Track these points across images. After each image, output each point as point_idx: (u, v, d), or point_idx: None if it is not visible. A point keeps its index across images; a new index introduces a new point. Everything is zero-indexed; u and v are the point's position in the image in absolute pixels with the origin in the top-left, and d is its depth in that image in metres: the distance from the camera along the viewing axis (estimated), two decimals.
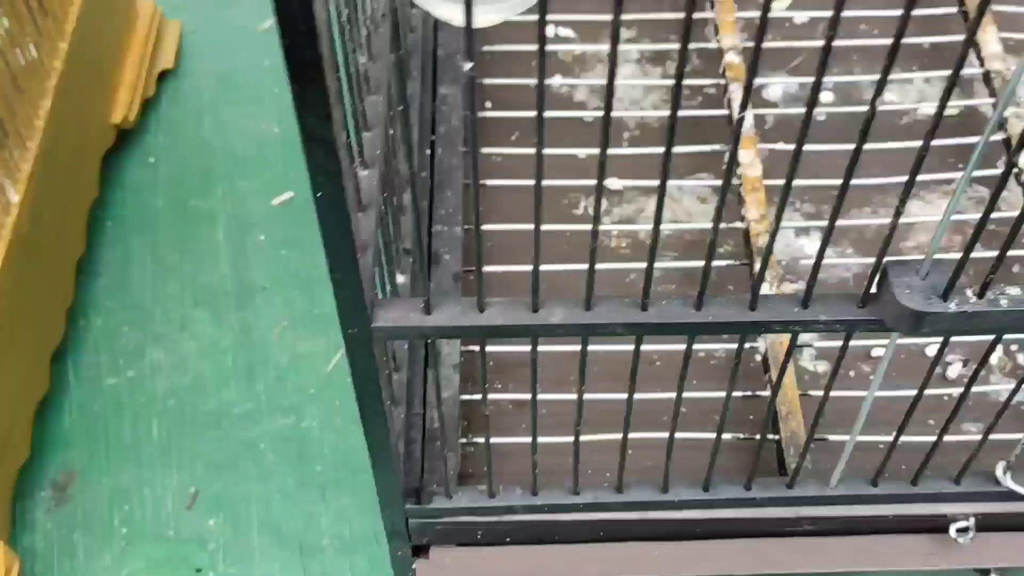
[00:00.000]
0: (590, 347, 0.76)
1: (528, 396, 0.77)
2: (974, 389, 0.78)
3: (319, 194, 0.44)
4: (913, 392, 0.76)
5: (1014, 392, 0.60)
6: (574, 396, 0.76)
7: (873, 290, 0.53)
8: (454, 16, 0.64)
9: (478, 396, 0.77)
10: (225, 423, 0.93)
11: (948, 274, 0.50)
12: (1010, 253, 0.83)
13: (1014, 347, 0.80)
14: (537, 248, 0.49)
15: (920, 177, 0.75)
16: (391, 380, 0.69)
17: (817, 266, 0.50)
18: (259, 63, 1.13)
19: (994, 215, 0.86)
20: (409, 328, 0.52)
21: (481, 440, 0.74)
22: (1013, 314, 0.50)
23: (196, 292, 1.00)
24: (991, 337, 0.78)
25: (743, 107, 0.43)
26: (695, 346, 0.80)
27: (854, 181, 0.88)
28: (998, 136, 0.86)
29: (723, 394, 0.77)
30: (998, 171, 0.85)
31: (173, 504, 0.89)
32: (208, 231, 1.03)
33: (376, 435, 0.59)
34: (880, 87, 0.42)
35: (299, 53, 0.38)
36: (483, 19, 0.63)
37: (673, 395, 0.76)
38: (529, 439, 0.72)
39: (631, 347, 0.78)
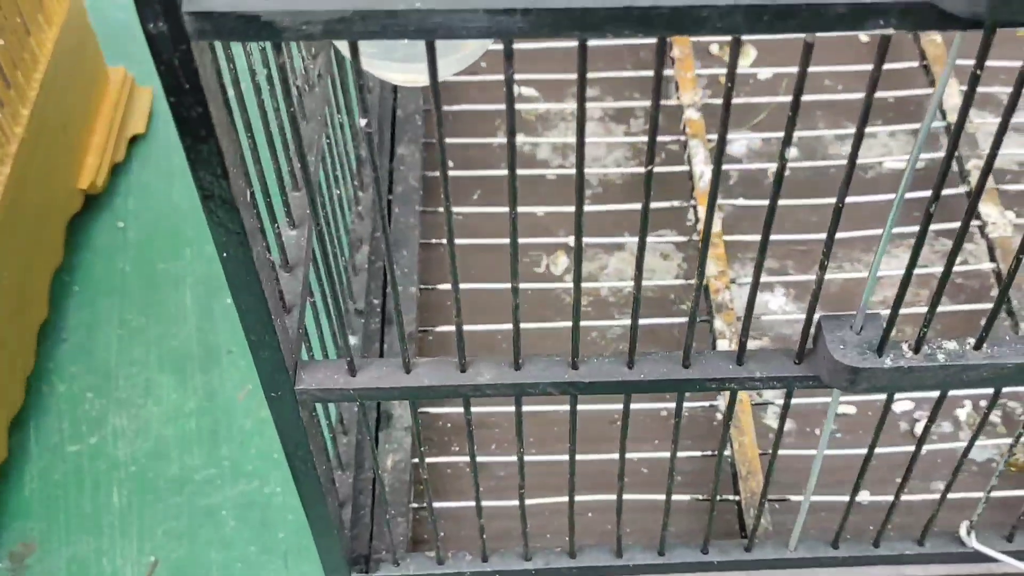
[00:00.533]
0: (558, 407, 0.74)
1: (488, 459, 0.76)
2: (944, 446, 0.77)
3: (223, 254, 0.43)
4: (883, 450, 0.75)
5: (967, 450, 0.58)
6: (535, 457, 0.75)
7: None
8: (394, 76, 0.63)
9: (433, 459, 0.75)
10: (187, 489, 0.92)
11: (882, 328, 0.49)
12: (980, 306, 0.82)
13: (983, 403, 0.79)
14: (458, 306, 0.48)
15: (881, 231, 0.74)
16: (336, 443, 0.68)
17: (747, 321, 0.49)
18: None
19: (962, 268, 0.85)
20: (334, 390, 0.51)
21: (435, 504, 0.73)
22: (951, 369, 0.49)
23: (161, 356, 0.99)
24: (961, 392, 0.77)
25: (717, 164, 0.42)
26: (661, 405, 0.79)
27: (818, 235, 0.87)
28: (961, 189, 0.86)
29: (688, 454, 0.76)
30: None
31: (132, 574, 0.87)
32: (175, 294, 1.03)
33: (312, 501, 0.58)
34: (853, 156, 0.41)
35: (185, 111, 0.37)
36: (421, 78, 0.62)
37: (634, 455, 0.75)
38: (487, 502, 0.71)
39: (601, 406, 0.77)
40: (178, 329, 1.00)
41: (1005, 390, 0.77)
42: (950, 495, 0.73)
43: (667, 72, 0.94)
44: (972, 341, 0.49)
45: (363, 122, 0.39)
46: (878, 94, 0.93)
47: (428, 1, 0.34)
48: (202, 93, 0.37)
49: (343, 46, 0.59)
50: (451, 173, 0.90)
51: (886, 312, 0.80)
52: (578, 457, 0.72)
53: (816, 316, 0.50)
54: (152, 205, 1.09)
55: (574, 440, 0.56)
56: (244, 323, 0.46)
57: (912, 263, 0.46)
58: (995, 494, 0.72)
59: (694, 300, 0.48)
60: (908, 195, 0.84)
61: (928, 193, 0.85)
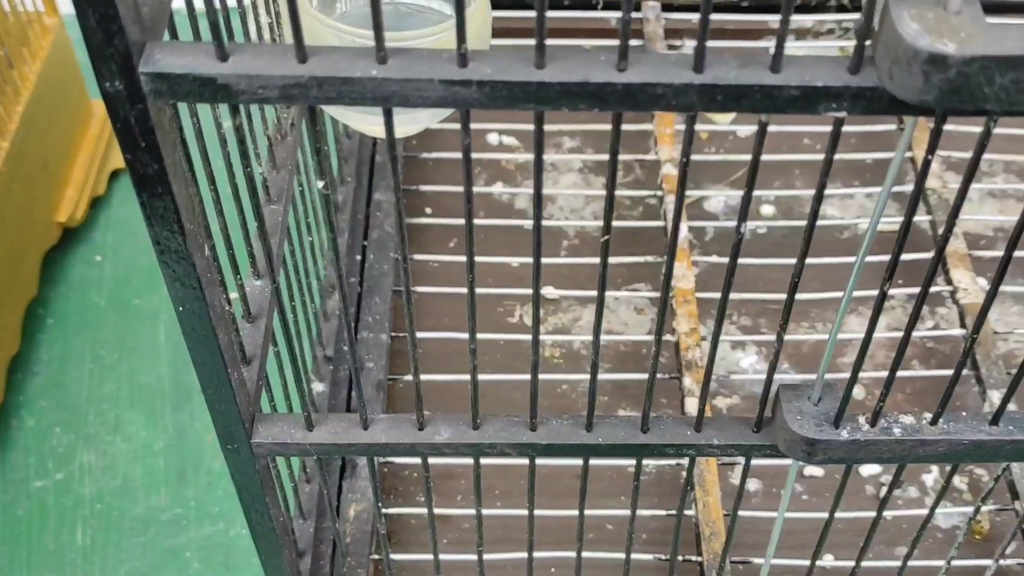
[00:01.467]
0: (525, 460, 0.74)
1: (453, 511, 0.75)
2: (910, 512, 0.76)
3: (179, 308, 0.43)
4: (849, 514, 0.75)
5: (928, 518, 0.58)
6: (500, 511, 0.75)
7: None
8: (368, 128, 0.64)
9: (398, 509, 0.75)
10: (152, 529, 0.91)
11: (839, 399, 0.49)
12: (950, 372, 0.82)
13: (949, 467, 0.78)
14: (415, 364, 0.48)
15: (857, 292, 0.74)
16: (297, 492, 0.67)
17: (705, 388, 0.49)
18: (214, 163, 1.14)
19: (935, 333, 0.85)
20: (291, 445, 0.50)
21: (395, 556, 0.72)
22: (907, 443, 0.49)
23: (133, 393, 0.98)
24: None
25: (676, 219, 0.42)
26: (628, 462, 0.79)
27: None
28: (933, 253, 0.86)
29: (653, 512, 0.75)
30: (936, 288, 0.85)
31: None
32: (150, 331, 1.02)
33: (268, 552, 0.57)
34: (811, 223, 0.42)
35: (141, 168, 0.37)
36: (399, 130, 0.63)
37: (599, 512, 0.75)
38: (447, 556, 0.70)
39: (567, 461, 0.77)
40: (151, 366, 1.00)
41: None
42: (915, 563, 0.73)
43: (647, 127, 0.95)
44: (929, 416, 0.49)
45: (320, 184, 0.39)
46: (855, 155, 0.94)
47: (385, 69, 0.35)
48: (158, 151, 0.37)
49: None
50: (428, 221, 0.90)
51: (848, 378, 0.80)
52: (542, 512, 0.72)
53: (775, 384, 0.50)
54: (130, 240, 1.09)
55: (532, 500, 0.55)
56: (200, 376, 0.46)
57: (870, 332, 0.46)
58: (959, 562, 0.72)
59: (652, 364, 0.48)
60: (882, 258, 0.85)
61: (904, 256, 0.85)
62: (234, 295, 0.49)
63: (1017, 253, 0.90)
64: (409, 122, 0.65)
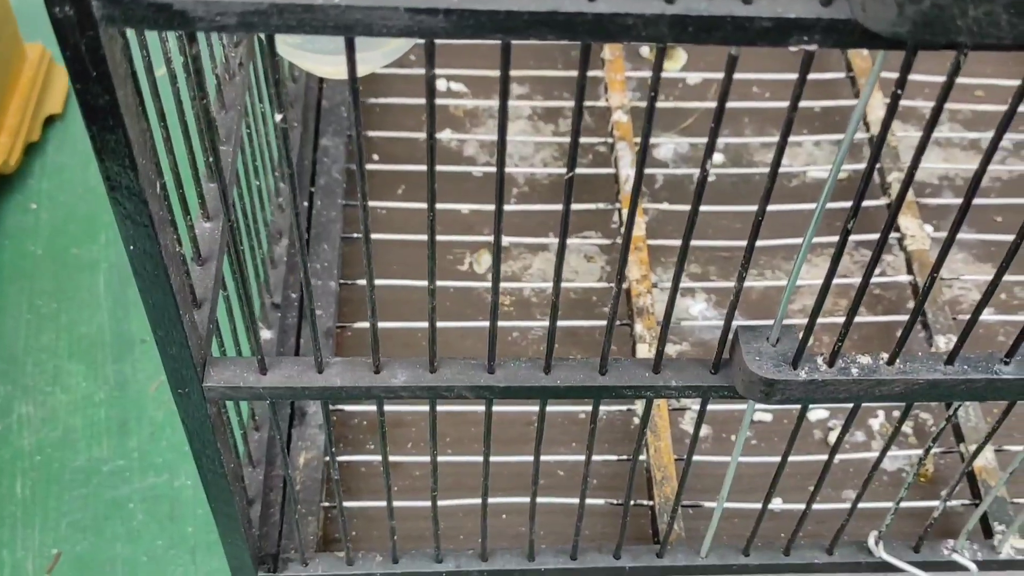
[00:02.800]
0: (476, 408, 0.74)
1: (404, 458, 0.75)
2: (857, 456, 0.77)
3: (130, 247, 0.41)
4: (797, 458, 0.76)
5: (878, 461, 0.59)
6: (452, 458, 0.74)
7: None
8: (318, 68, 0.62)
9: (348, 457, 0.74)
10: (94, 481, 0.89)
11: (798, 340, 0.49)
12: (897, 318, 0.83)
13: (896, 413, 0.80)
14: (372, 306, 0.47)
15: (800, 241, 0.74)
16: (247, 439, 0.66)
17: (665, 330, 0.49)
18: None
19: (882, 279, 0.86)
20: (243, 389, 0.49)
21: (346, 503, 0.72)
22: (864, 383, 0.49)
23: (72, 343, 0.96)
24: (875, 403, 0.78)
25: (639, 171, 0.42)
26: (580, 408, 0.79)
27: (742, 242, 0.87)
28: (882, 201, 0.87)
29: (604, 457, 0.75)
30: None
31: (33, 567, 0.85)
32: (88, 280, 1.00)
33: (218, 498, 0.56)
34: (774, 169, 0.41)
35: (92, 99, 0.35)
36: (340, 70, 0.61)
37: (551, 458, 0.75)
38: (398, 502, 0.70)
39: (519, 408, 0.77)
40: (90, 316, 0.98)
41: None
42: (862, 505, 0.74)
43: (597, 73, 0.94)
44: (885, 356, 0.50)
45: (279, 117, 0.38)
46: (804, 103, 0.94)
47: None
48: (110, 81, 0.35)
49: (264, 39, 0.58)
50: (375, 167, 0.89)
51: (804, 322, 0.80)
52: (495, 459, 0.72)
53: (734, 325, 0.50)
54: (67, 187, 1.06)
55: (488, 443, 0.55)
56: (151, 318, 0.45)
57: (830, 276, 0.46)
58: (905, 504, 0.73)
59: (612, 307, 0.48)
60: (832, 205, 0.85)
61: (850, 204, 0.86)
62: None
63: (961, 200, 0.91)
64: (361, 62, 0.63)
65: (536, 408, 0.77)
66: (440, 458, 0.74)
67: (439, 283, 0.82)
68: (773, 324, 0.49)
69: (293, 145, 0.82)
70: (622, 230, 0.83)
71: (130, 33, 0.38)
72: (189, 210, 0.50)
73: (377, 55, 0.66)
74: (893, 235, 0.85)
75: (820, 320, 0.83)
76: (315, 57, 0.60)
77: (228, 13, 0.33)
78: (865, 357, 0.50)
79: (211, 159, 0.41)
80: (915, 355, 0.50)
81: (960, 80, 0.95)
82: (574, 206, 0.87)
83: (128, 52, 0.38)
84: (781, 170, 0.91)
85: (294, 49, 0.62)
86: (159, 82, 0.48)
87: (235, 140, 0.56)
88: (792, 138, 0.93)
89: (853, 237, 0.87)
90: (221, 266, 0.53)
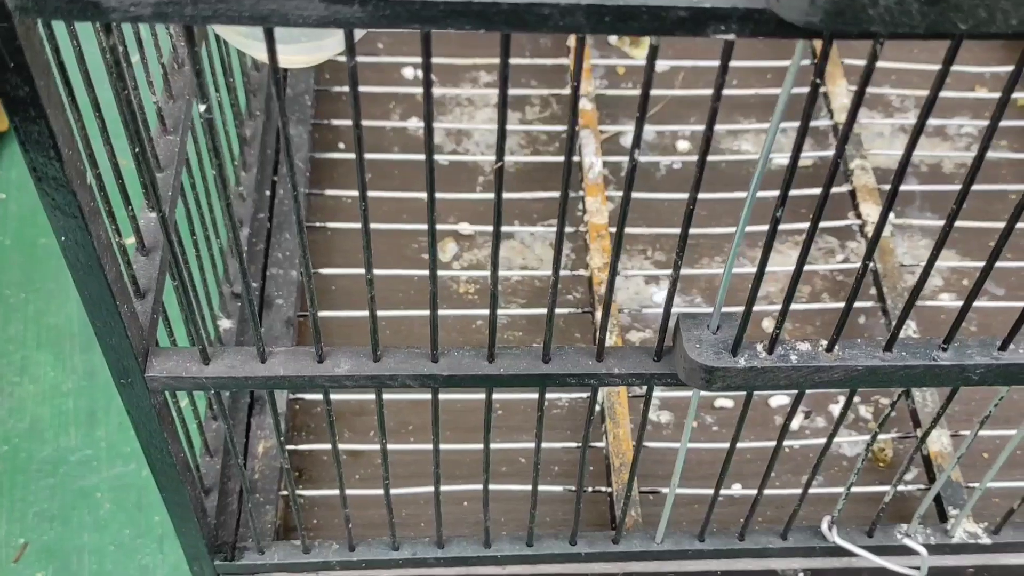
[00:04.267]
0: (443, 396, 0.74)
1: (366, 447, 0.75)
2: (817, 441, 0.78)
3: (62, 238, 0.42)
4: (758, 444, 0.76)
5: (827, 445, 0.59)
6: (414, 446, 0.75)
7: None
8: (257, 53, 0.62)
9: (309, 446, 0.74)
10: (61, 470, 0.90)
11: (736, 327, 0.49)
12: (859, 304, 0.83)
13: (856, 399, 0.80)
14: (311, 295, 0.47)
15: (765, 228, 0.74)
16: (203, 429, 0.67)
17: (605, 319, 0.49)
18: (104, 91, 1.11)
19: (844, 266, 0.86)
20: (186, 379, 0.50)
21: (307, 492, 0.72)
22: (803, 370, 0.49)
23: (40, 334, 0.96)
24: (835, 389, 0.78)
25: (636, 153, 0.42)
26: (537, 396, 0.79)
27: (707, 229, 0.88)
28: (845, 188, 0.87)
29: (564, 445, 0.76)
30: (846, 222, 0.86)
31: (0, 556, 0.85)
32: (57, 271, 1.00)
33: (169, 487, 0.56)
34: (702, 158, 0.41)
35: (11, 90, 0.36)
36: (294, 59, 0.61)
37: (513, 445, 0.75)
38: (358, 491, 0.70)
39: (479, 395, 0.77)
40: (59, 306, 0.98)
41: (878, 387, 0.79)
42: (824, 490, 0.75)
43: (563, 61, 0.94)
44: (824, 343, 0.50)
45: (202, 108, 0.38)
46: (769, 91, 0.94)
47: None
48: (28, 72, 0.35)
49: (217, 26, 0.58)
50: (341, 156, 0.89)
51: (764, 309, 0.80)
52: (456, 447, 0.72)
53: (675, 313, 0.50)
54: None
55: (437, 431, 0.55)
56: (88, 308, 0.45)
57: (763, 261, 0.46)
58: (865, 489, 0.74)
59: (551, 295, 0.48)
60: (794, 192, 0.85)
61: (814, 191, 0.85)
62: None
63: (926, 187, 0.91)
64: (315, 50, 0.63)
65: (497, 396, 0.78)
66: (401, 446, 0.74)
67: (404, 272, 0.82)
68: (713, 312, 0.50)
69: (256, 135, 0.82)
70: (587, 218, 0.83)
71: (59, 24, 0.38)
72: (131, 201, 0.50)
73: (332, 42, 0.65)
74: (855, 222, 0.85)
75: (780, 307, 0.83)
76: (260, 46, 0.60)
77: (142, 3, 0.33)
78: (804, 344, 0.50)
79: (137, 150, 0.41)
80: (855, 341, 0.50)
81: (928, 67, 0.95)
82: (540, 194, 0.88)
83: (53, 42, 0.38)
84: (746, 157, 0.92)
85: (245, 39, 0.62)
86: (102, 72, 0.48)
87: (183, 128, 0.56)
88: (757, 125, 0.93)
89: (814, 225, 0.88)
90: (167, 255, 0.53)
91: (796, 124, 0.93)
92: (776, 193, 0.47)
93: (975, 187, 0.89)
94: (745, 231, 0.48)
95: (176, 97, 0.57)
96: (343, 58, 0.79)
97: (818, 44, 0.94)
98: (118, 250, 0.46)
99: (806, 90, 0.93)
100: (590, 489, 0.73)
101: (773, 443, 0.74)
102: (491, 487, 0.62)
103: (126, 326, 0.46)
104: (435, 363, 0.51)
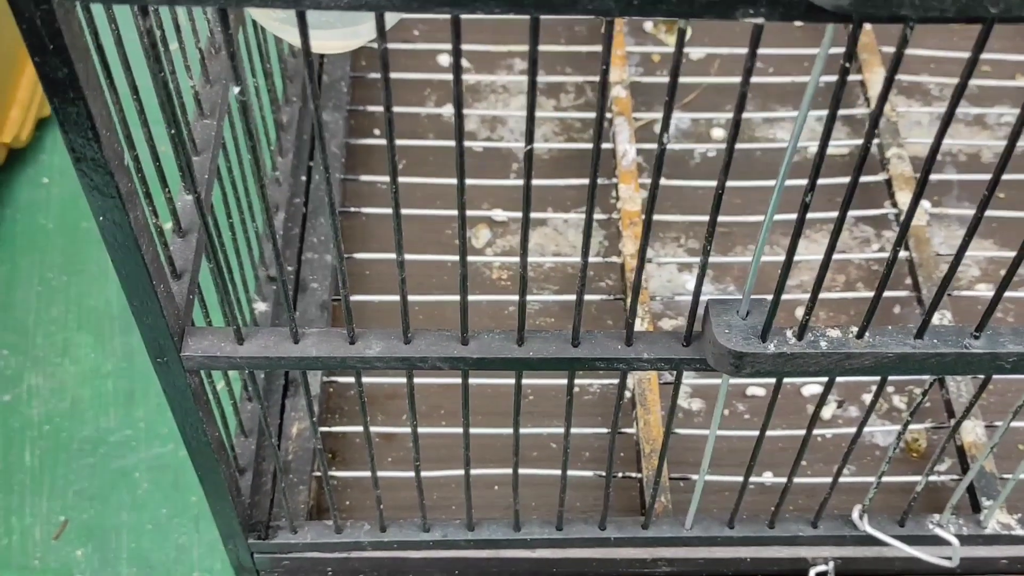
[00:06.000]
0: (475, 380, 0.74)
1: (398, 429, 0.76)
2: (850, 430, 0.77)
3: (100, 218, 0.42)
4: (790, 433, 0.76)
5: (857, 434, 0.59)
6: (446, 429, 0.75)
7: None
8: (292, 38, 0.63)
9: (343, 428, 0.75)
10: (100, 450, 0.91)
11: (766, 313, 0.49)
12: (894, 293, 0.83)
13: (890, 389, 0.80)
14: (343, 278, 0.47)
15: (806, 215, 0.74)
16: (238, 410, 0.67)
17: (635, 303, 0.49)
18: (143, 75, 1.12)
19: (880, 255, 0.86)
20: (221, 359, 0.50)
21: (339, 473, 0.73)
22: (833, 356, 0.49)
23: (81, 316, 0.98)
24: (868, 378, 0.78)
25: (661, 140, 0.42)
26: (575, 380, 0.79)
27: (741, 218, 0.88)
28: (881, 176, 0.86)
29: (596, 431, 0.76)
30: (882, 211, 0.85)
31: (41, 533, 0.87)
32: (98, 254, 1.01)
33: (204, 466, 0.57)
34: (730, 143, 0.41)
35: (51, 72, 0.36)
36: (329, 44, 0.62)
37: (544, 430, 0.75)
38: (390, 472, 0.71)
39: (510, 380, 0.77)
40: (99, 289, 0.99)
41: (912, 377, 0.79)
42: (855, 479, 0.75)
43: (597, 48, 0.94)
44: (855, 329, 0.50)
45: (236, 90, 0.38)
46: (804, 78, 0.94)
47: None
48: (67, 54, 0.36)
49: (252, 9, 0.59)
50: (376, 142, 0.89)
51: (798, 298, 0.80)
52: (487, 431, 0.73)
53: (704, 299, 0.50)
54: None
55: (467, 414, 0.56)
56: (125, 288, 0.46)
57: (792, 247, 0.46)
58: (898, 479, 0.73)
59: (580, 280, 0.48)
60: (832, 181, 0.85)
61: (846, 179, 0.85)
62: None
63: (964, 177, 0.91)
64: (350, 36, 0.64)
65: (529, 381, 0.78)
66: (434, 429, 0.75)
67: (438, 257, 0.83)
68: (743, 298, 0.50)
69: (292, 121, 0.83)
70: (620, 204, 0.83)
71: (98, 7, 0.39)
72: (168, 183, 0.51)
73: (365, 28, 0.66)
74: (891, 211, 0.84)
75: (824, 296, 0.83)
76: (296, 31, 0.61)
77: None
78: (834, 331, 0.50)
79: (173, 132, 0.42)
80: (886, 328, 0.50)
81: (964, 55, 0.94)
82: (573, 181, 0.88)
83: (93, 27, 0.38)
84: (780, 145, 0.91)
85: (282, 24, 0.63)
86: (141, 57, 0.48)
87: (220, 113, 0.57)
88: (791, 113, 0.93)
89: (852, 213, 0.87)
90: (203, 237, 0.54)
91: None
92: (800, 183, 0.47)
93: (1015, 176, 0.88)
94: (775, 219, 0.48)
95: (213, 82, 0.58)
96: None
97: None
98: (155, 231, 0.47)
99: (836, 78, 0.92)
100: (620, 475, 0.73)
101: (804, 431, 0.74)
102: (521, 472, 0.62)
103: (162, 306, 0.47)
104: (465, 346, 0.51)
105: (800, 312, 0.82)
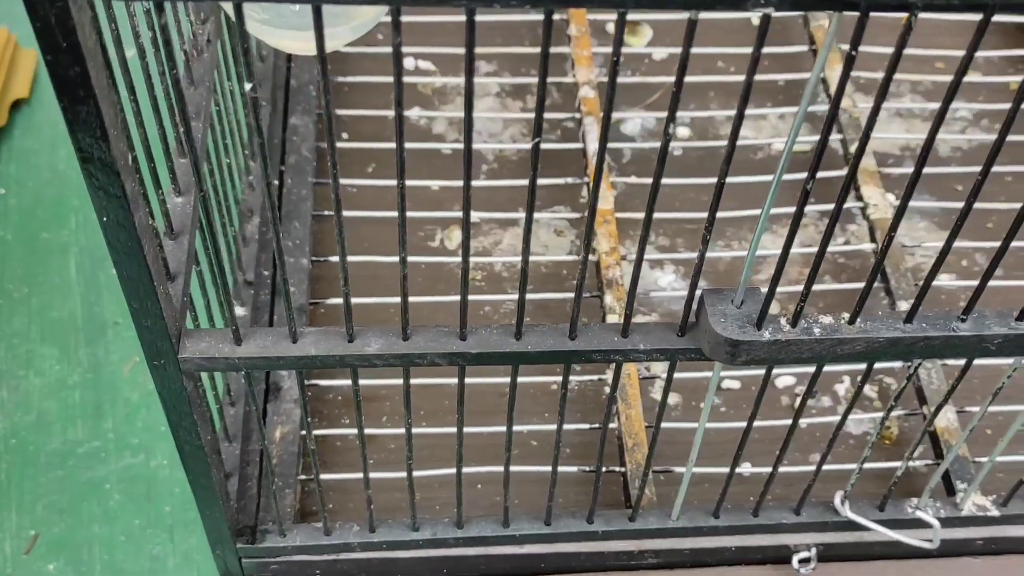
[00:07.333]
0: (449, 380, 0.74)
1: (379, 431, 0.76)
2: (823, 420, 0.79)
3: (104, 218, 0.42)
4: (765, 423, 0.77)
5: (841, 423, 0.60)
6: (426, 429, 0.75)
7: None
8: (286, 44, 0.63)
9: (324, 431, 0.75)
10: (69, 463, 0.90)
11: (761, 302, 0.50)
12: (861, 285, 0.85)
13: (861, 376, 0.81)
14: (344, 274, 0.47)
15: (773, 211, 0.76)
16: (223, 414, 0.67)
17: (632, 294, 0.50)
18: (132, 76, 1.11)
19: (846, 248, 0.87)
20: (219, 360, 0.50)
21: (322, 476, 0.73)
22: (826, 343, 0.50)
23: (44, 327, 0.96)
24: (839, 368, 0.79)
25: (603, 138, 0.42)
26: (551, 379, 0.80)
27: (707, 214, 0.89)
28: (846, 171, 0.88)
29: (576, 427, 0.77)
30: (847, 205, 0.87)
31: (11, 549, 0.85)
32: (59, 264, 1.00)
33: (196, 471, 0.57)
34: (733, 138, 0.42)
35: (63, 70, 0.36)
36: (304, 47, 0.62)
37: (524, 428, 0.76)
38: (377, 474, 0.71)
39: (491, 379, 0.78)
40: (62, 300, 0.98)
41: (881, 366, 0.80)
42: (831, 467, 0.76)
43: (563, 50, 0.95)
44: (847, 316, 0.51)
45: (248, 86, 0.38)
46: (767, 77, 0.96)
47: None
48: (80, 52, 0.36)
49: (232, 11, 0.58)
50: (345, 145, 0.89)
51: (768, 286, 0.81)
52: (468, 430, 0.73)
53: (699, 291, 0.51)
54: (35, 172, 1.05)
55: (462, 411, 0.56)
56: (126, 290, 0.46)
57: (789, 242, 0.47)
58: (870, 466, 0.75)
59: (580, 272, 0.49)
60: (797, 176, 0.86)
61: (817, 175, 0.87)
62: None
63: (923, 170, 0.93)
64: (328, 37, 0.64)
65: (507, 380, 0.78)
66: (415, 430, 0.75)
67: (411, 258, 0.83)
68: (738, 288, 0.51)
69: (262, 124, 0.83)
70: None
71: (99, 7, 0.38)
72: (160, 185, 0.50)
73: (344, 30, 0.66)
74: (856, 205, 0.86)
75: (787, 289, 0.84)
76: (283, 32, 0.61)
77: None
78: (827, 317, 0.51)
79: (182, 130, 0.41)
80: (876, 314, 0.51)
81: (921, 52, 0.97)
82: (543, 181, 0.88)
83: (97, 25, 0.38)
84: (746, 143, 0.93)
85: (262, 25, 0.63)
86: (129, 60, 0.48)
87: (204, 116, 0.57)
88: (756, 111, 0.94)
89: (818, 207, 0.89)
90: (194, 240, 0.53)
91: (794, 109, 0.94)
92: (767, 179, 0.48)
93: (970, 169, 0.90)
94: (743, 214, 0.49)
95: (197, 84, 0.58)
96: (347, 48, 0.80)
97: (815, 30, 0.96)
98: (154, 233, 0.47)
99: (800, 76, 0.94)
100: (604, 469, 0.74)
101: (779, 422, 0.76)
102: (502, 469, 0.63)
103: (162, 308, 0.47)
104: (463, 341, 0.52)
105: (774, 309, 0.84)
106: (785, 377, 0.81)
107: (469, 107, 0.40)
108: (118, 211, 0.42)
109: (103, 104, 0.38)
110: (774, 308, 0.83)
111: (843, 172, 0.88)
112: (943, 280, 0.85)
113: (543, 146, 0.91)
